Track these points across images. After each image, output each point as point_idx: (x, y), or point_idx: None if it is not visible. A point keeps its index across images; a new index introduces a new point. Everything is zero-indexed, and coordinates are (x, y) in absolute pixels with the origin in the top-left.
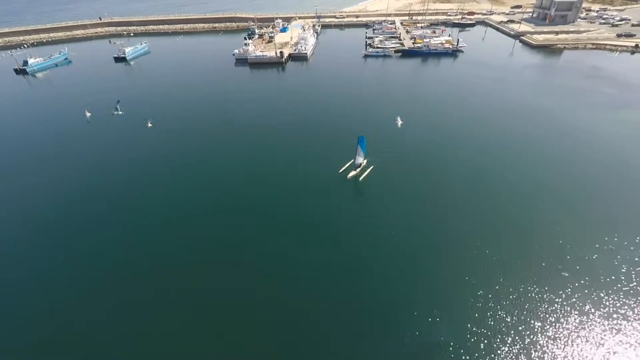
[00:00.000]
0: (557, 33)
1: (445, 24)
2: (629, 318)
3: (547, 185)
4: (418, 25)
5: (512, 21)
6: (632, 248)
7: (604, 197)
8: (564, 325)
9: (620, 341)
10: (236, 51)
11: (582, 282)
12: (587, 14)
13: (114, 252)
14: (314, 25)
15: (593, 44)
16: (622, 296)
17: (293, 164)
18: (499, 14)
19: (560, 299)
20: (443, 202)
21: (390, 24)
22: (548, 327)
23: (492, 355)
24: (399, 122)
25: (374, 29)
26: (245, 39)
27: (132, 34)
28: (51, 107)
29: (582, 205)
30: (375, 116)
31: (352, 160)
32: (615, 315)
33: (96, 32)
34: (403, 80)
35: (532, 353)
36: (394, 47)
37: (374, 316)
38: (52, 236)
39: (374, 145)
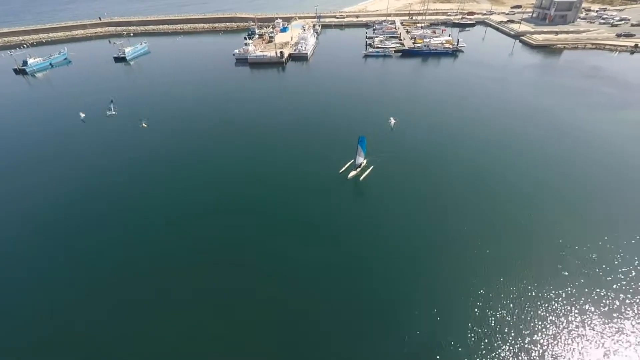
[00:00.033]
0: (556, 33)
1: (445, 24)
2: (629, 317)
3: (547, 185)
4: (418, 25)
5: (512, 21)
6: (632, 248)
7: (603, 197)
8: (564, 325)
9: (621, 341)
10: (236, 51)
11: (582, 281)
12: (586, 14)
13: (114, 252)
14: (314, 25)
15: (593, 44)
16: (622, 296)
17: (293, 164)
18: (498, 14)
19: (560, 299)
20: (443, 202)
21: (390, 24)
22: (548, 326)
23: (493, 355)
24: (392, 122)
25: (374, 29)
26: (245, 39)
27: (132, 34)
28: (51, 107)
29: (582, 205)
30: (375, 116)
31: (353, 160)
32: (615, 315)
33: (96, 32)
34: (403, 80)
35: (532, 353)
36: (394, 47)
37: (374, 316)
38: (52, 236)
39: (374, 145)
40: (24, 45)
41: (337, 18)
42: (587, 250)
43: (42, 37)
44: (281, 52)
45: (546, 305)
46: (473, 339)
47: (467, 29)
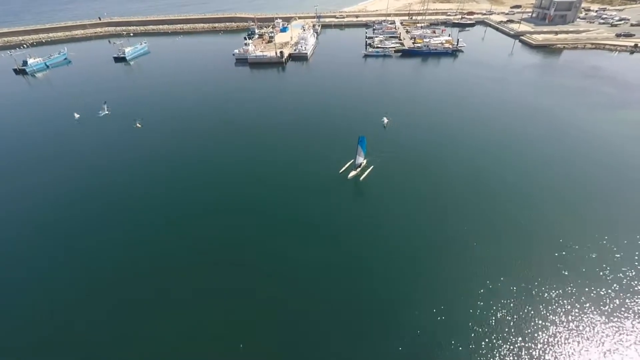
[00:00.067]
0: (556, 33)
1: (445, 23)
2: (629, 317)
3: (547, 185)
4: (418, 25)
5: (511, 21)
6: (632, 247)
7: (603, 197)
8: (564, 325)
9: (621, 340)
10: (236, 51)
11: (582, 281)
12: (586, 14)
13: (114, 252)
14: (314, 25)
15: (592, 43)
16: (622, 295)
17: (293, 164)
18: (498, 13)
19: (560, 299)
20: (443, 202)
21: (390, 23)
22: (548, 326)
23: (493, 355)
24: (385, 121)
25: (374, 29)
26: (245, 39)
27: (131, 34)
28: (51, 107)
29: (582, 205)
30: (375, 116)
31: (353, 160)
32: (615, 314)
33: (96, 32)
34: (403, 80)
35: (532, 352)
36: (394, 47)
37: (374, 316)
38: (52, 236)
39: (374, 145)
40: (24, 46)
41: (337, 18)
42: (587, 250)
43: (42, 37)
44: (281, 52)
45: (546, 305)
46: (473, 338)
47: (466, 29)
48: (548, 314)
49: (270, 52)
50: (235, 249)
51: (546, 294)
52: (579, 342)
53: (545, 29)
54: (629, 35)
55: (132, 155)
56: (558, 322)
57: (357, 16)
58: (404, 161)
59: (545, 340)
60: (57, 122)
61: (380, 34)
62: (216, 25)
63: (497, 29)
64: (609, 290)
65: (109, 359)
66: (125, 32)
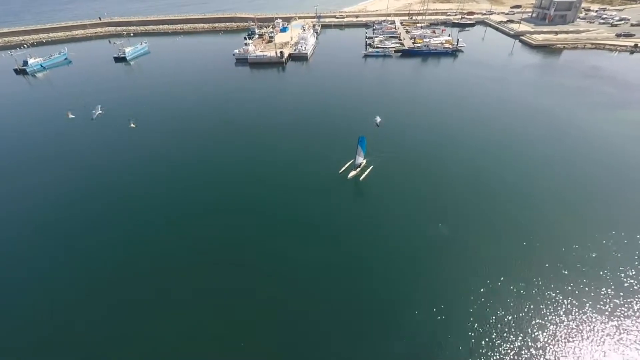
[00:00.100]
0: (556, 33)
1: (445, 23)
2: (629, 317)
3: (547, 185)
4: (418, 25)
5: (511, 21)
6: (632, 247)
7: (604, 197)
8: (564, 324)
9: (621, 340)
10: (236, 51)
11: (582, 281)
12: (586, 14)
13: (114, 252)
14: (314, 25)
15: (592, 43)
16: (622, 295)
17: (293, 164)
18: (498, 13)
19: (560, 298)
20: (443, 202)
21: (390, 23)
22: (548, 326)
23: (493, 355)
24: (378, 120)
25: (374, 29)
26: (245, 39)
27: (132, 34)
28: (51, 107)
29: (582, 205)
30: (375, 116)
31: (352, 160)
32: (615, 314)
33: (96, 32)
34: (403, 80)
35: (532, 352)
36: (394, 47)
37: (374, 316)
38: (52, 236)
39: (374, 145)
40: (24, 46)
41: (337, 18)
42: (587, 250)
43: (42, 37)
44: (281, 52)
45: (546, 304)
46: (473, 338)
47: (466, 28)
48: (548, 314)
49: (270, 52)
50: (235, 249)
51: (546, 294)
52: (579, 342)
53: (545, 29)
54: (629, 35)
55: (133, 155)
56: (558, 322)
57: (357, 16)
58: (404, 161)
59: (545, 340)
60: (57, 122)
61: (380, 34)
62: (216, 25)
63: (497, 29)
64: (609, 290)
65: (109, 359)
66: (125, 32)
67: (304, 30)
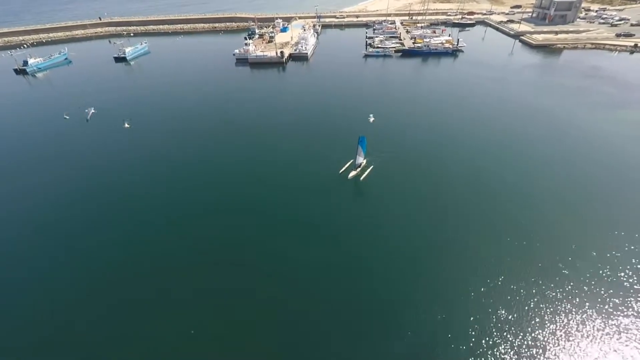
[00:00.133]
0: (556, 33)
1: (445, 23)
2: (630, 316)
3: (547, 185)
4: (418, 25)
5: (511, 21)
6: (632, 247)
7: (604, 197)
8: (564, 324)
9: (621, 339)
10: (236, 51)
11: (583, 281)
12: (586, 14)
13: (114, 252)
14: (314, 25)
15: (592, 43)
16: (622, 295)
17: (293, 164)
18: (498, 13)
19: (560, 298)
20: (443, 202)
21: (391, 23)
22: (548, 326)
23: (493, 355)
24: (372, 119)
25: (374, 29)
26: (245, 39)
27: (132, 34)
28: (51, 107)
29: (582, 205)
30: (375, 116)
31: (352, 160)
32: (615, 314)
33: (96, 32)
34: (403, 80)
35: (532, 352)
36: (394, 47)
37: (374, 316)
38: (52, 236)
39: (374, 145)
40: (24, 45)
41: (337, 18)
42: (587, 249)
43: (42, 37)
44: (281, 52)
45: (546, 304)
46: (473, 338)
47: (467, 28)
48: (548, 314)
49: (270, 52)
50: (235, 249)
51: (546, 294)
52: (579, 342)
53: (545, 29)
54: (629, 35)
55: (133, 155)
56: (558, 322)
57: (357, 16)
58: (404, 161)
59: (545, 340)
60: (57, 122)
61: (381, 34)
62: (216, 25)
63: (497, 29)
64: (609, 290)
65: (109, 359)
66: (125, 32)
67: (304, 30)
